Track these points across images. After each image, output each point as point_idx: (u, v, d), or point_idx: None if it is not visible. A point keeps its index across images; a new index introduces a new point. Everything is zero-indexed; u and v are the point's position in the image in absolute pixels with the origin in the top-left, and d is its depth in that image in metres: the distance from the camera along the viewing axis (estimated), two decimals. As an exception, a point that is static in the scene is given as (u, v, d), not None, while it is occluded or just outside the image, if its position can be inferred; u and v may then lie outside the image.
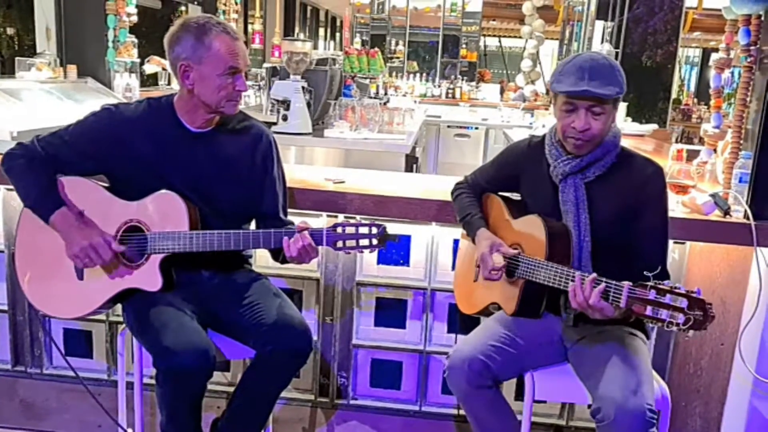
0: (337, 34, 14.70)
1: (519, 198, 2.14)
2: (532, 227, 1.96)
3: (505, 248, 1.98)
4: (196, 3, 6.48)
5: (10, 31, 6.14)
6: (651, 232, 1.93)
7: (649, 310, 1.59)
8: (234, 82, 1.96)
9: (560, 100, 1.88)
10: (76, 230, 1.93)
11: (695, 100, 11.66)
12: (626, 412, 1.69)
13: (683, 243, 2.40)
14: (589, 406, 1.81)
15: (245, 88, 2.00)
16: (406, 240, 2.55)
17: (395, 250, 2.56)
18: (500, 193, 2.18)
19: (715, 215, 2.28)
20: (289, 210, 2.22)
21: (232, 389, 2.10)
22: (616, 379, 1.76)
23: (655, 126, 5.56)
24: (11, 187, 2.05)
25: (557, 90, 1.87)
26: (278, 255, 2.05)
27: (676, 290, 1.56)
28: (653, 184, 1.93)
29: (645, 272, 1.66)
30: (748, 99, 2.43)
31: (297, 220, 2.07)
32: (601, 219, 1.93)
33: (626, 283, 1.65)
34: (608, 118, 1.87)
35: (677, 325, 1.54)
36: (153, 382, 1.90)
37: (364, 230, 1.91)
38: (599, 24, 7.01)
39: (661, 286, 1.58)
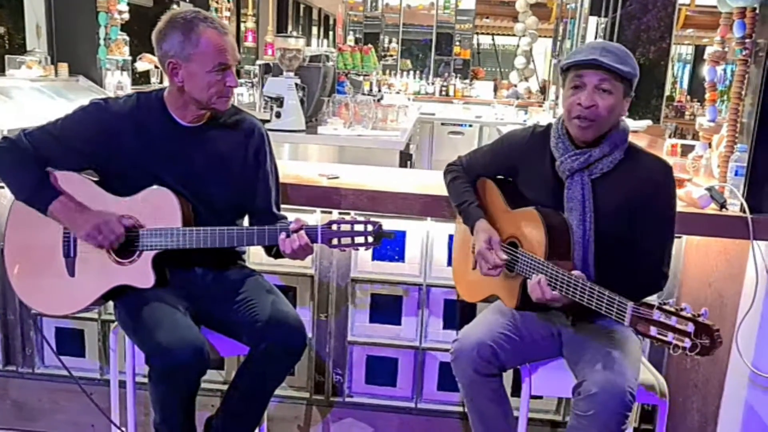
0: (330, 33, 14.66)
1: (515, 185, 2.08)
2: (530, 222, 1.92)
3: (500, 251, 1.93)
4: (187, 1, 6.44)
5: (0, 29, 6.10)
6: (656, 233, 1.89)
7: (654, 331, 1.54)
8: (224, 79, 1.92)
9: (569, 77, 1.84)
10: (79, 214, 1.91)
11: (688, 97, 11.69)
12: (607, 389, 1.70)
13: (680, 237, 2.39)
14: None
15: (236, 83, 1.97)
16: (401, 236, 2.53)
17: (390, 246, 2.54)
18: (495, 178, 2.13)
19: (711, 209, 2.28)
20: (283, 206, 2.20)
21: (226, 387, 2.08)
22: (602, 360, 1.77)
23: (649, 122, 5.56)
24: (1, 184, 2.02)
25: (567, 63, 1.83)
26: (271, 249, 2.03)
27: (682, 312, 1.51)
28: (661, 183, 1.89)
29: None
30: (743, 92, 2.42)
31: (291, 216, 2.05)
32: (606, 217, 1.88)
33: (630, 303, 1.60)
34: (616, 101, 1.82)
35: (683, 348, 1.49)
36: (146, 380, 1.87)
37: (359, 227, 1.89)
38: (592, 20, 7.01)
39: (665, 308, 1.53)
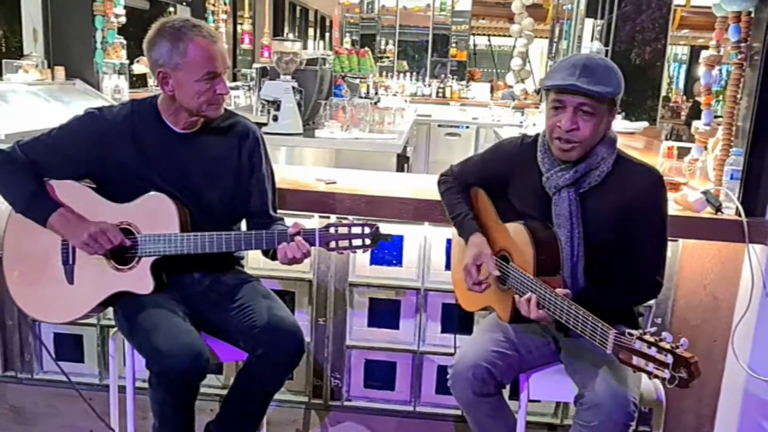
0: (327, 34, 14.66)
1: (506, 196, 2.05)
2: (518, 236, 1.89)
3: (491, 264, 1.91)
4: (184, 4, 6.44)
5: (-4, 33, 6.09)
6: (649, 245, 1.87)
7: (635, 360, 1.53)
8: (213, 87, 1.92)
9: (550, 98, 1.81)
10: (76, 223, 1.92)
11: (684, 97, 11.72)
12: (612, 400, 1.70)
13: (675, 240, 2.40)
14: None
15: (226, 91, 1.96)
16: (398, 240, 2.53)
17: (388, 251, 2.55)
18: (487, 190, 2.11)
19: (707, 212, 2.29)
20: (281, 211, 2.21)
21: (225, 392, 2.08)
22: (604, 369, 1.77)
23: (645, 123, 5.58)
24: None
25: (547, 85, 1.81)
26: (269, 252, 2.03)
27: (661, 343, 1.49)
28: (653, 195, 1.86)
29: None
30: (738, 96, 2.43)
31: (289, 221, 2.06)
32: (596, 230, 1.86)
33: (612, 331, 1.58)
34: (599, 122, 1.79)
35: (663, 379, 1.48)
36: (145, 385, 1.88)
37: (356, 230, 1.90)
38: (588, 22, 7.03)
39: (646, 337, 1.51)
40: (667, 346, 1.48)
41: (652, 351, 1.49)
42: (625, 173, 1.87)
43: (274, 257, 2.02)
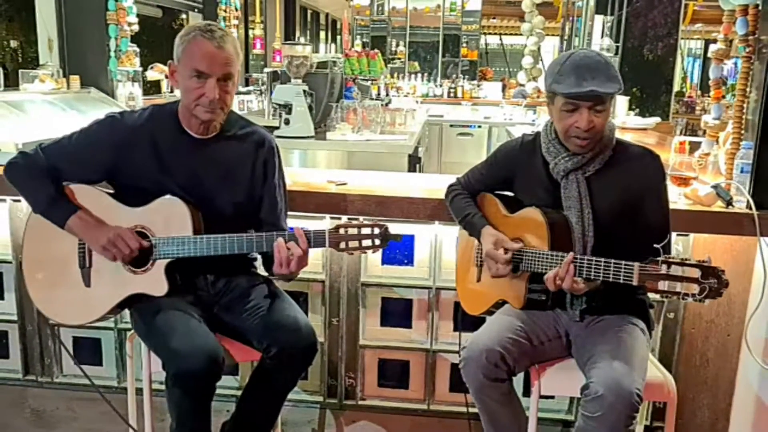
0: (338, 37, 14.71)
1: (513, 194, 2.13)
2: (531, 220, 1.97)
3: (509, 243, 1.98)
4: (196, 11, 6.51)
5: (13, 43, 6.20)
6: (654, 219, 1.94)
7: (662, 285, 1.60)
8: (203, 87, 1.93)
9: (560, 101, 1.87)
10: (95, 228, 1.96)
11: (699, 92, 11.62)
12: (614, 390, 1.71)
13: (686, 235, 2.40)
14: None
15: (213, 95, 1.92)
16: (409, 240, 2.55)
17: (399, 250, 2.57)
18: (494, 193, 2.17)
19: (718, 206, 2.28)
20: (293, 213, 2.23)
21: (241, 392, 2.11)
22: (609, 360, 1.79)
23: (657, 119, 5.55)
24: (18, 198, 2.07)
25: (559, 92, 1.86)
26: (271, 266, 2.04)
27: (687, 262, 1.58)
28: (652, 171, 1.96)
29: (655, 245, 1.67)
30: (747, 89, 2.43)
31: (300, 224, 2.08)
32: (604, 211, 1.94)
33: (636, 263, 1.67)
34: (608, 114, 1.89)
35: (693, 295, 1.55)
36: (162, 387, 1.91)
37: (366, 231, 1.93)
38: (599, 18, 7.01)
39: (671, 260, 1.60)
40: (693, 262, 1.57)
41: (678, 270, 1.57)
42: (626, 156, 1.98)
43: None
